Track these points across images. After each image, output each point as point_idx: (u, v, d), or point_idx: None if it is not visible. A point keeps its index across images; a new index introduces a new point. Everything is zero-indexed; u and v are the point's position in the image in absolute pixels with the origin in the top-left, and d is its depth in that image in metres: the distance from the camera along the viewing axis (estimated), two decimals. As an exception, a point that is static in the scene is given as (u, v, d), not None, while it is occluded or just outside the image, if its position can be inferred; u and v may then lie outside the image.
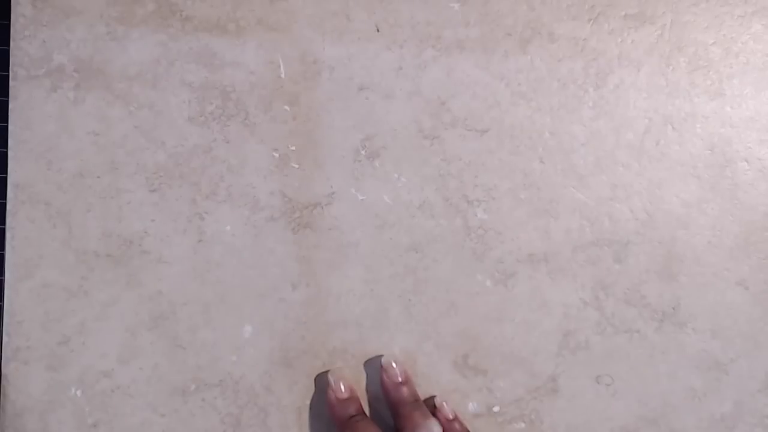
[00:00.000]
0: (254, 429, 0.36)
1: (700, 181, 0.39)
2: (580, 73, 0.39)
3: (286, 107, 0.37)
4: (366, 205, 0.37)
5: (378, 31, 0.38)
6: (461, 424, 0.36)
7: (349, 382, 0.35)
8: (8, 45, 0.36)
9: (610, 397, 0.38)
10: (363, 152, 0.38)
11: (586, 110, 0.39)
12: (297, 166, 0.37)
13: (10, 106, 0.36)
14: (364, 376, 0.37)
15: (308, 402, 0.37)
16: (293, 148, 0.37)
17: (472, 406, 0.38)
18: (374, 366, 0.37)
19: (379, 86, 0.38)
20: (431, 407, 0.36)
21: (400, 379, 0.35)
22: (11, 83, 0.36)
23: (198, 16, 0.37)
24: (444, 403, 0.36)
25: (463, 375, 0.38)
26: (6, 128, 0.36)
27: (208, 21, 0.37)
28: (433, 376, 0.37)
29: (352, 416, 0.34)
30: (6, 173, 0.36)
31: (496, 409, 0.38)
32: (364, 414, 0.35)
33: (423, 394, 0.37)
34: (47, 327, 0.36)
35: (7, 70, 0.36)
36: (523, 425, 0.38)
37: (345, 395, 0.35)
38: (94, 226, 0.36)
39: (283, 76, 0.37)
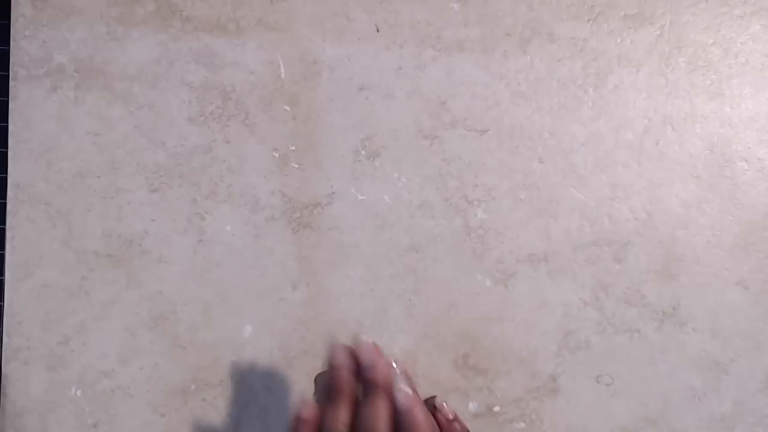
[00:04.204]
0: (255, 429, 0.36)
1: (700, 181, 0.39)
2: (579, 73, 0.39)
3: (286, 107, 0.37)
4: (366, 205, 0.38)
5: (378, 31, 0.38)
6: (461, 424, 0.36)
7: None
8: (8, 45, 0.36)
9: (610, 397, 0.38)
10: (363, 152, 0.38)
11: (585, 110, 0.39)
12: (297, 166, 0.37)
13: (10, 106, 0.36)
14: (364, 376, 0.37)
15: (308, 402, 0.37)
16: (293, 148, 0.37)
17: (472, 406, 0.38)
18: (374, 366, 0.37)
19: (379, 86, 0.38)
20: (431, 407, 0.36)
21: None
22: (11, 83, 0.36)
23: (198, 16, 0.37)
24: (444, 404, 0.36)
25: (463, 375, 0.38)
26: (6, 128, 0.36)
27: (208, 21, 0.37)
28: (433, 375, 0.37)
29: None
30: (6, 173, 0.36)
31: (496, 408, 0.38)
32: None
33: (423, 394, 0.37)
34: (47, 327, 0.36)
35: (7, 70, 0.36)
36: (523, 425, 0.38)
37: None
38: (94, 226, 0.36)
39: (283, 76, 0.37)
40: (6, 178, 0.36)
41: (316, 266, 0.37)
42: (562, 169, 0.38)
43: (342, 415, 0.32)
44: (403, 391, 0.33)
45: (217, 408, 0.36)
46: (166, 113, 0.37)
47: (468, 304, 0.38)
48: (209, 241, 0.37)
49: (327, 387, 0.33)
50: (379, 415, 0.32)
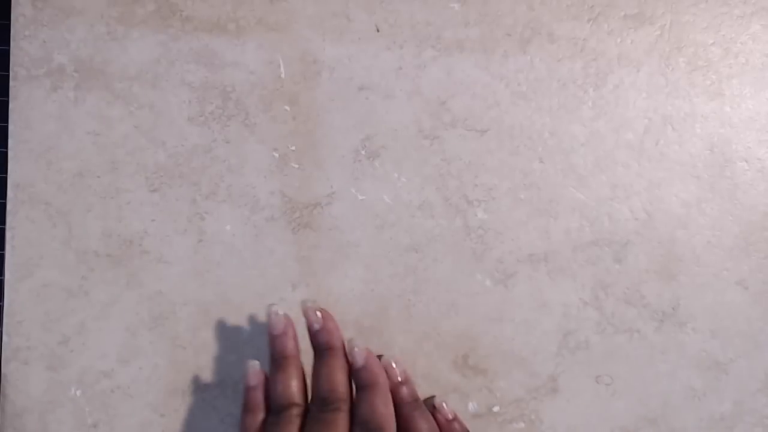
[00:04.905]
0: (254, 429, 0.36)
1: (700, 181, 0.39)
2: (579, 73, 0.39)
3: (286, 107, 0.37)
4: (366, 205, 0.38)
5: (378, 31, 0.38)
6: (461, 424, 0.36)
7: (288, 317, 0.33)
8: (8, 45, 0.36)
9: (610, 397, 0.38)
10: (363, 152, 0.38)
11: (585, 110, 0.39)
12: (297, 166, 0.37)
13: (10, 106, 0.36)
14: (364, 376, 0.37)
15: (308, 402, 0.37)
16: (293, 148, 0.37)
17: (472, 406, 0.38)
18: (374, 366, 0.37)
19: (379, 86, 0.38)
20: (431, 407, 0.36)
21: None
22: (11, 83, 0.36)
23: (198, 16, 0.37)
24: (444, 404, 0.36)
25: (463, 375, 0.38)
26: (6, 128, 0.36)
27: (208, 21, 0.37)
28: (433, 376, 0.37)
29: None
30: (6, 173, 0.36)
31: (496, 409, 0.38)
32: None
33: (423, 394, 0.37)
34: (47, 327, 0.36)
35: (7, 70, 0.36)
36: (523, 425, 0.38)
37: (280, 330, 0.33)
38: (94, 226, 0.36)
39: (283, 76, 0.37)
40: (6, 178, 0.36)
41: (316, 266, 0.37)
42: (562, 169, 0.38)
43: (293, 380, 0.31)
44: (358, 347, 0.32)
45: (217, 408, 0.36)
46: (166, 113, 0.37)
47: (468, 304, 0.38)
48: (209, 241, 0.37)
49: (272, 356, 0.32)
50: (338, 373, 0.31)
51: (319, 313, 0.33)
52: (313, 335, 0.33)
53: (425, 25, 0.38)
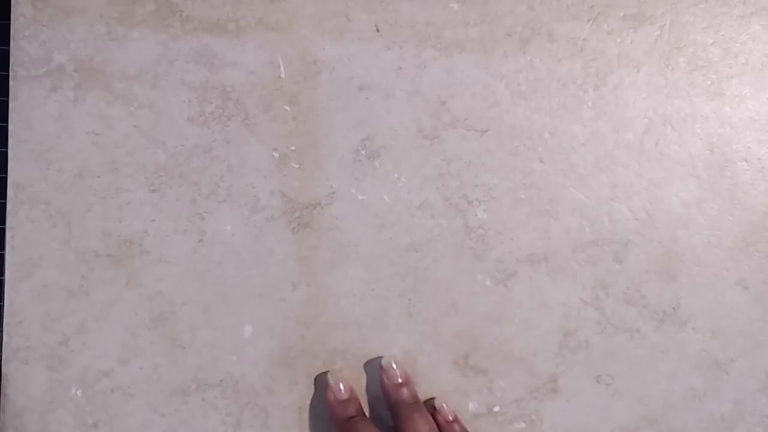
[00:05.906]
0: (255, 429, 0.36)
1: (700, 181, 0.39)
2: (579, 73, 0.39)
3: (286, 107, 0.37)
4: (366, 205, 0.38)
5: (378, 31, 0.38)
6: (461, 425, 0.36)
7: (349, 383, 0.35)
8: (8, 45, 0.36)
9: (610, 397, 0.38)
10: (363, 152, 0.38)
11: (585, 110, 0.39)
12: (297, 166, 0.37)
13: (10, 106, 0.36)
14: (364, 376, 0.37)
15: (308, 402, 0.37)
16: (293, 148, 0.37)
17: (472, 406, 0.38)
18: (374, 366, 0.37)
19: (379, 86, 0.38)
20: (431, 408, 0.36)
21: (399, 380, 0.35)
22: (11, 83, 0.36)
23: (198, 16, 0.37)
24: (444, 405, 0.36)
25: (463, 375, 0.38)
26: (6, 128, 0.36)
27: (208, 21, 0.37)
28: (433, 376, 0.37)
29: (352, 417, 0.34)
30: (6, 173, 0.36)
31: (496, 409, 0.38)
32: (364, 415, 0.35)
33: (423, 395, 0.37)
34: (47, 327, 0.36)
35: (7, 70, 0.36)
36: (523, 425, 0.38)
37: (344, 396, 0.35)
38: (94, 226, 0.36)
39: (283, 76, 0.37)
40: (6, 178, 0.36)
41: (316, 266, 0.37)
42: (562, 169, 0.38)
43: None
44: (444, 402, 0.36)
45: (217, 408, 0.36)
46: (166, 113, 0.37)
47: (468, 304, 0.38)
48: (209, 241, 0.37)
49: (337, 423, 0.34)
50: (425, 425, 0.33)
51: (396, 367, 0.35)
52: (396, 389, 0.35)
53: (425, 25, 0.38)
